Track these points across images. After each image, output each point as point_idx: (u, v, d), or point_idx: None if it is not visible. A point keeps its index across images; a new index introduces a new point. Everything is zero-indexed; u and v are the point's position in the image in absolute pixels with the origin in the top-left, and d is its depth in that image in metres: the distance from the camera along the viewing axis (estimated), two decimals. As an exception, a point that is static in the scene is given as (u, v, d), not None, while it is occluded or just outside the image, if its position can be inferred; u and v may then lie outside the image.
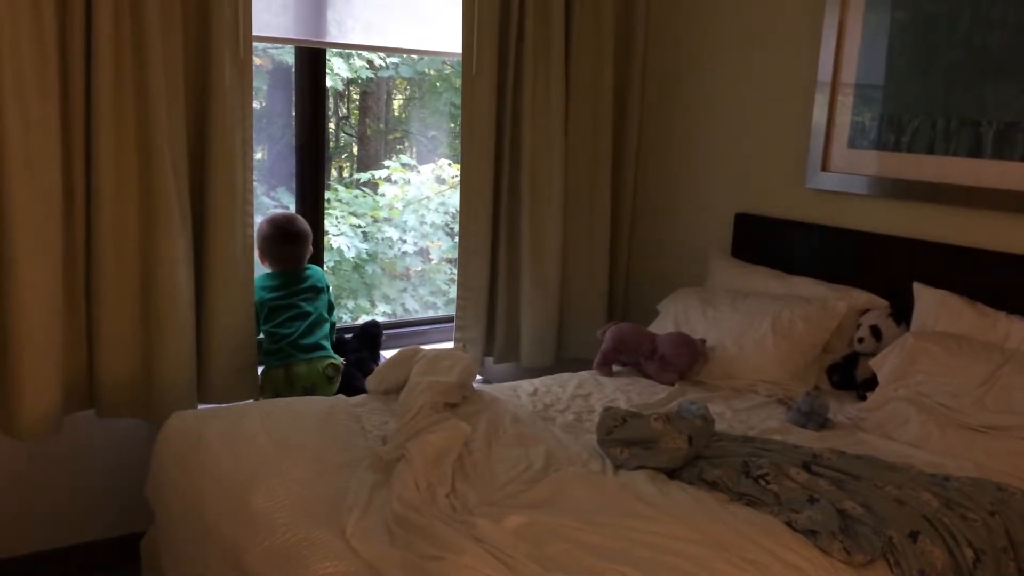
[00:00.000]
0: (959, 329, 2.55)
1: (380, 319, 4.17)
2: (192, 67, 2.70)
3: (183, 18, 2.63)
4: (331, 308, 3.04)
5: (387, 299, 4.33)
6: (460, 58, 3.19)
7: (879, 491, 1.96)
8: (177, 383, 2.74)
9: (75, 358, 2.68)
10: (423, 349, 2.59)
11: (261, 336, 2.96)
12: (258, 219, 3.09)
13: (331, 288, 3.06)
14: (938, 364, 2.46)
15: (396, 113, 4.68)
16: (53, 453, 2.79)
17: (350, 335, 3.23)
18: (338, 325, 3.18)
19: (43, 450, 2.76)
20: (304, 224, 3.03)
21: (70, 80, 2.52)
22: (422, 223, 4.35)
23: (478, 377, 3.18)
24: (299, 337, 2.87)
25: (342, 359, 2.97)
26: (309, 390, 2.84)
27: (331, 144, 4.24)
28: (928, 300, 2.67)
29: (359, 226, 4.20)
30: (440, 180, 4.37)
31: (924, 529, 1.84)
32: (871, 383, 2.65)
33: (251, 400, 2.91)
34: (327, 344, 2.93)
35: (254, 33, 2.82)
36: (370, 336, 3.18)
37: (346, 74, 4.01)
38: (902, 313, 2.73)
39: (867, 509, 1.89)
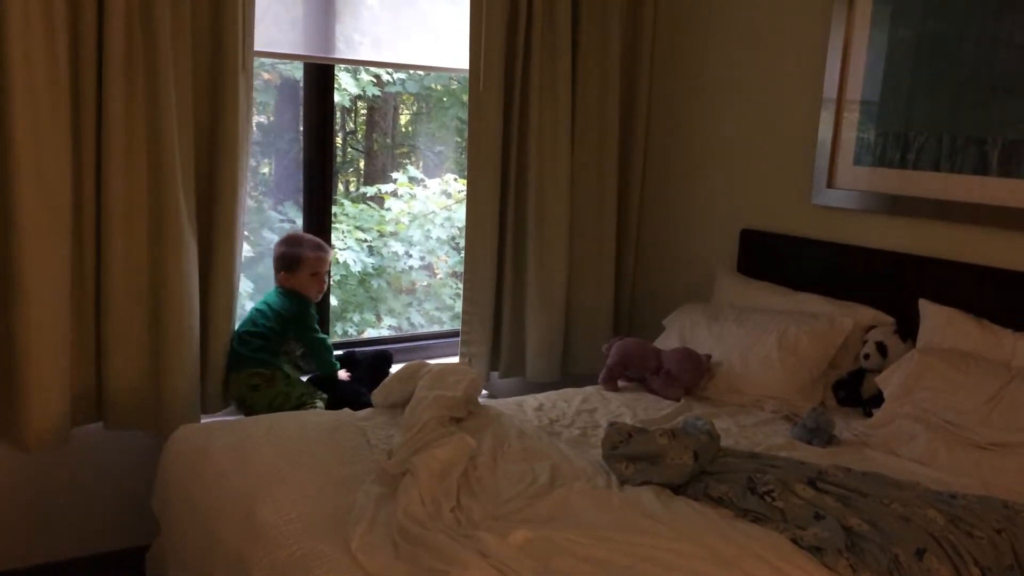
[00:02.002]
0: (965, 346, 2.55)
1: (385, 333, 4.19)
2: (201, 82, 2.72)
3: (192, 33, 2.65)
4: (307, 337, 2.98)
5: (393, 313, 4.34)
6: (467, 74, 3.22)
7: (885, 508, 1.96)
8: (183, 395, 2.75)
9: (83, 370, 2.69)
10: (429, 364, 2.59)
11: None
12: (266, 234, 3.12)
13: (298, 319, 2.96)
14: (944, 381, 2.46)
15: (403, 128, 4.71)
16: (60, 465, 2.79)
17: (366, 348, 3.22)
18: (348, 339, 3.15)
19: (50, 462, 2.77)
20: (281, 244, 3.00)
21: (81, 96, 2.54)
22: (428, 237, 4.36)
23: (483, 392, 3.18)
24: (234, 345, 2.89)
25: (285, 368, 2.91)
26: (241, 402, 2.88)
27: (338, 159, 4.26)
28: (934, 317, 2.67)
29: (365, 240, 4.22)
30: (446, 195, 4.38)
31: (930, 547, 1.83)
32: (877, 400, 2.65)
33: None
34: (262, 356, 2.87)
35: (264, 49, 2.85)
36: (380, 363, 3.18)
37: (354, 90, 4.04)
38: (908, 330, 2.73)
39: (873, 526, 1.88)
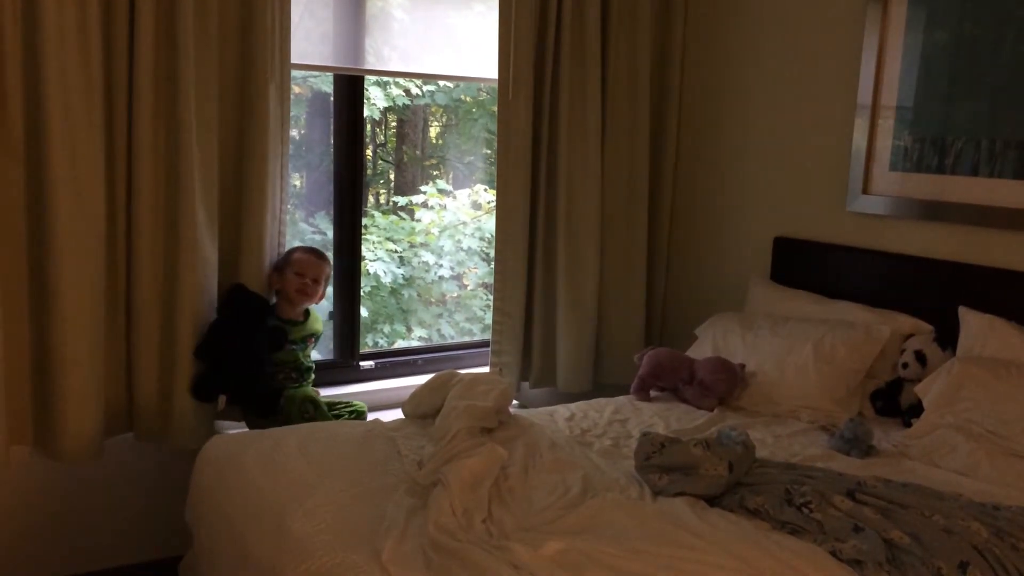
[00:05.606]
0: (1007, 354, 2.49)
1: (416, 343, 4.19)
2: (230, 96, 2.74)
3: (221, 49, 2.68)
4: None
5: (423, 324, 4.34)
6: (496, 84, 3.22)
7: (927, 520, 1.91)
8: (211, 407, 2.76)
9: (115, 381, 2.71)
10: (459, 373, 2.59)
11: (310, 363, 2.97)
12: (296, 243, 3.12)
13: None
14: (986, 390, 2.41)
15: (432, 140, 4.72)
16: (93, 476, 2.82)
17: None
18: (378, 350, 3.09)
19: (83, 473, 2.79)
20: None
21: (114, 109, 2.57)
22: (458, 248, 4.37)
23: (514, 402, 3.16)
24: None
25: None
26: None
27: (368, 171, 4.29)
28: (974, 325, 2.61)
29: (396, 251, 4.23)
30: (476, 205, 4.39)
31: (974, 560, 1.78)
32: (916, 409, 2.59)
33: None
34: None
35: (295, 62, 2.86)
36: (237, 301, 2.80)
37: (383, 103, 4.06)
38: (947, 338, 2.67)
39: (915, 539, 1.84)
